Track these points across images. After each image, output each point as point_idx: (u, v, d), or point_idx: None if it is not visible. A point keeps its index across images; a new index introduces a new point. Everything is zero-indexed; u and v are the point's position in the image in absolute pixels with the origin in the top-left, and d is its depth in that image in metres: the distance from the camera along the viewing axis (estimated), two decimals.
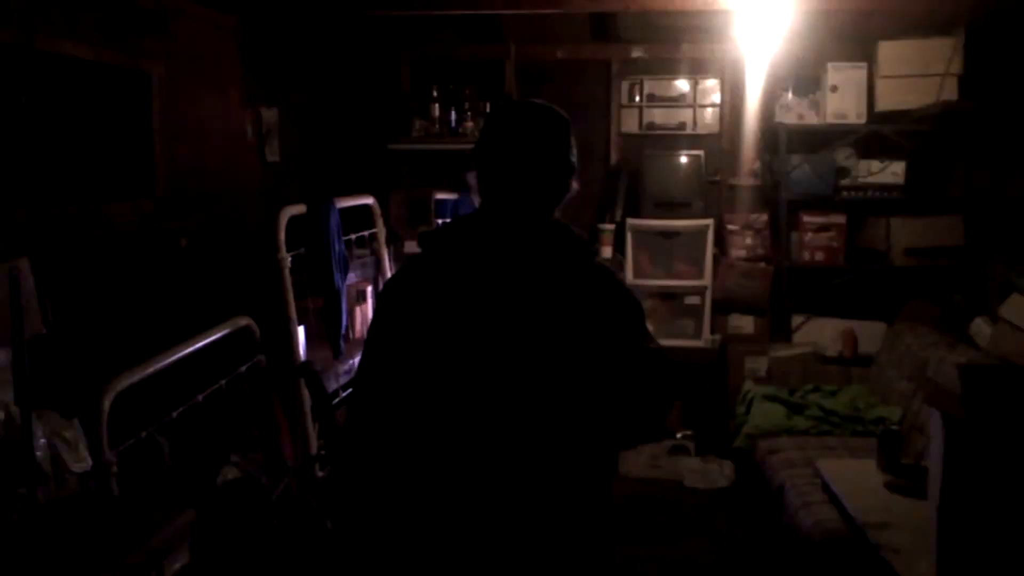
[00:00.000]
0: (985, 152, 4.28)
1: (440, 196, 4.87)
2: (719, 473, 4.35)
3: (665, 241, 4.81)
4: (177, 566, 1.90)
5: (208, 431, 2.61)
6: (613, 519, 1.69)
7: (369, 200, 4.17)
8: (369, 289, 4.38)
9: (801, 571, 3.06)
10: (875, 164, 4.59)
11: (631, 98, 5.07)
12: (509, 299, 1.51)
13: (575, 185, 1.63)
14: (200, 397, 2.57)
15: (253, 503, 2.25)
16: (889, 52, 4.41)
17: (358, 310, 4.31)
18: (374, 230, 4.23)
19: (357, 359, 1.92)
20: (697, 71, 5.00)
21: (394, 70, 5.08)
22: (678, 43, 4.88)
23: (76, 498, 1.81)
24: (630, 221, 4.78)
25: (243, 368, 2.88)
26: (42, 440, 1.81)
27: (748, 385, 4.37)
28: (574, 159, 1.63)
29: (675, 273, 4.80)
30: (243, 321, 2.93)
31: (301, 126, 4.55)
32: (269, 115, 4.25)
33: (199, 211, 3.56)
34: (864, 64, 4.50)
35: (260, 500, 2.29)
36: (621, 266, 4.73)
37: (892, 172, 4.57)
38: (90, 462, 1.84)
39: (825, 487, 2.97)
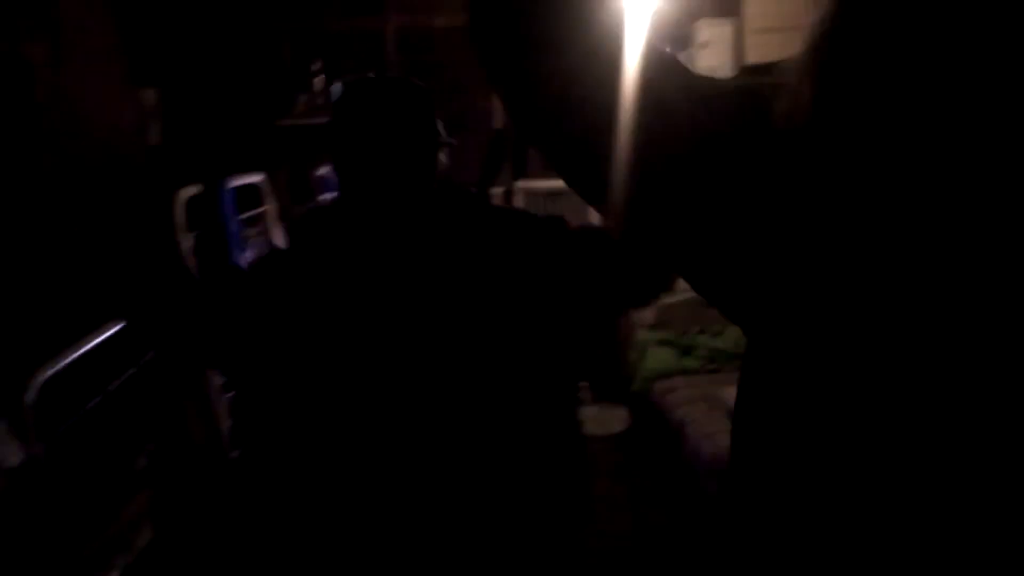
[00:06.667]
0: None
1: (322, 171, 4.89)
2: (615, 418, 4.57)
3: (553, 201, 4.96)
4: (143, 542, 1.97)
5: (121, 420, 2.61)
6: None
7: (258, 178, 4.15)
8: None
9: (703, 498, 3.30)
10: None
11: None
12: (400, 272, 1.35)
13: (443, 159, 1.48)
14: (113, 386, 2.57)
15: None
16: (757, 6, 4.61)
17: None
18: (264, 208, 4.21)
19: None
20: None
21: (275, 45, 5.02)
22: None
23: (12, 492, 1.83)
24: (518, 184, 4.89)
25: (150, 355, 2.88)
26: None
27: (640, 333, 4.59)
28: (441, 131, 1.47)
29: None
30: None
31: (183, 106, 4.47)
32: (148, 96, 4.16)
33: (82, 200, 3.49)
34: (732, 19, 4.71)
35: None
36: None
37: None
38: (21, 456, 1.85)
39: (731, 413, 3.19)
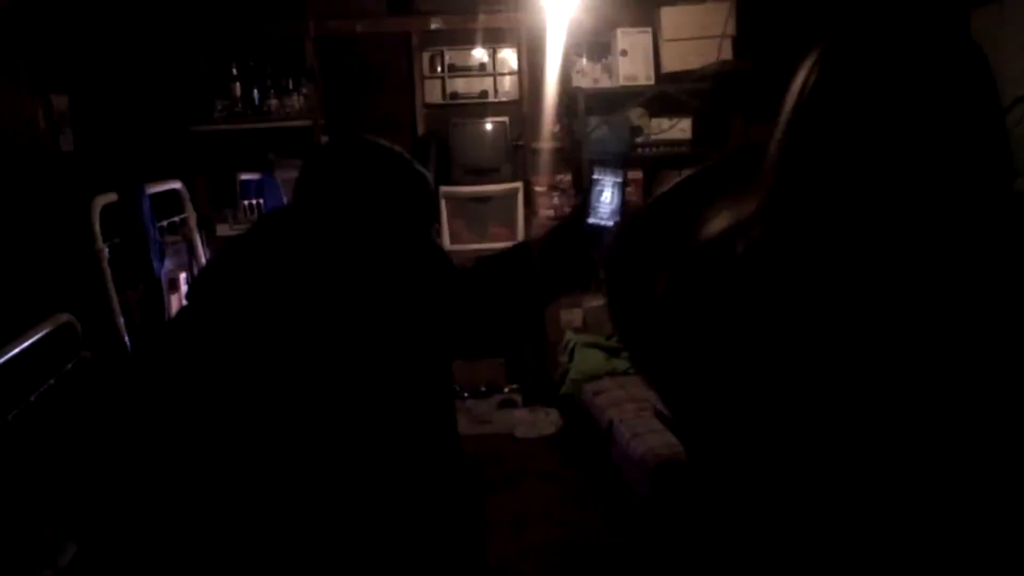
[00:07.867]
0: (758, 107, 4.71)
1: (245, 177, 4.82)
2: (546, 421, 4.60)
3: (478, 206, 4.97)
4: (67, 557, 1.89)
5: (40, 433, 2.51)
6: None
7: (177, 185, 4.06)
8: (183, 276, 4.28)
9: (636, 497, 3.34)
10: (665, 122, 4.94)
11: (433, 69, 5.17)
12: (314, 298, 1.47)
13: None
14: (32, 398, 2.47)
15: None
16: (671, 17, 4.74)
17: (173, 298, 4.21)
18: (184, 215, 4.12)
19: None
20: (496, 40, 5.15)
21: (191, 49, 4.89)
22: (475, 14, 5.01)
23: None
24: (443, 189, 4.90)
25: (69, 366, 2.78)
26: None
27: (568, 335, 4.64)
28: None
29: (490, 236, 4.97)
30: (64, 318, 2.82)
31: (97, 113, 4.32)
32: (59, 102, 4.02)
33: None
34: (649, 29, 4.83)
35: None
36: (438, 233, 4.85)
37: (680, 128, 4.94)
38: None
39: (659, 414, 3.23)
